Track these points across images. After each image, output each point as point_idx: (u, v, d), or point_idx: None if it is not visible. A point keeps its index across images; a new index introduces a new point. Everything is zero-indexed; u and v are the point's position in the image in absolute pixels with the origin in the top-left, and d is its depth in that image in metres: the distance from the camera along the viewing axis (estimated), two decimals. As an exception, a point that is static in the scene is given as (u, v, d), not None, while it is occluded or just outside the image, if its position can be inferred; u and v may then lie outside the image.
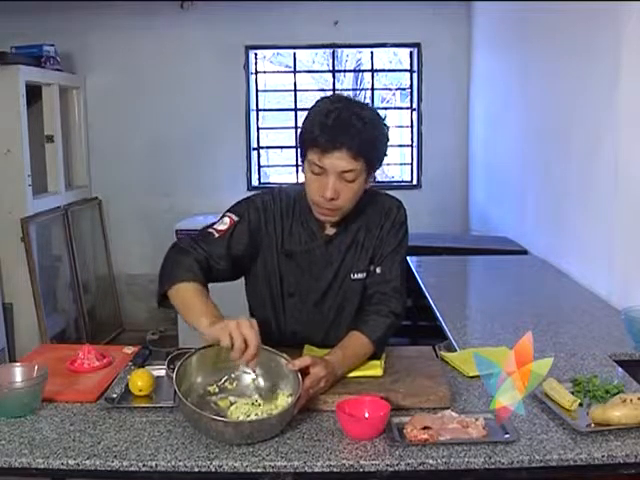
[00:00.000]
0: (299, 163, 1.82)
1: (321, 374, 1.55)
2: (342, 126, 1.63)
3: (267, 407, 1.51)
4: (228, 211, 1.84)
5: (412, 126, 5.47)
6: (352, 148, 1.63)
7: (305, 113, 1.75)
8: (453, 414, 1.49)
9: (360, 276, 1.84)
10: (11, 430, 1.49)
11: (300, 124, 1.77)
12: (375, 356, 1.77)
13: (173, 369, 1.52)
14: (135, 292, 5.46)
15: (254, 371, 1.57)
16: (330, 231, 1.84)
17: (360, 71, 5.83)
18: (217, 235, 1.77)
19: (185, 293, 1.65)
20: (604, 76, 2.68)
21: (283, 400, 1.52)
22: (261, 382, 1.58)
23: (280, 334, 1.93)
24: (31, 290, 4.23)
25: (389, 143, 1.76)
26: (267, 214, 1.82)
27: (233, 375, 1.57)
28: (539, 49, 3.62)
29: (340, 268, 1.84)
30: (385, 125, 1.74)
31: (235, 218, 1.80)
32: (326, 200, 1.69)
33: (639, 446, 1.38)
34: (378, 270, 1.84)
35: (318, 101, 1.74)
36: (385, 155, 1.76)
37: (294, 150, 5.46)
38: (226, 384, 1.57)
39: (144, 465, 1.36)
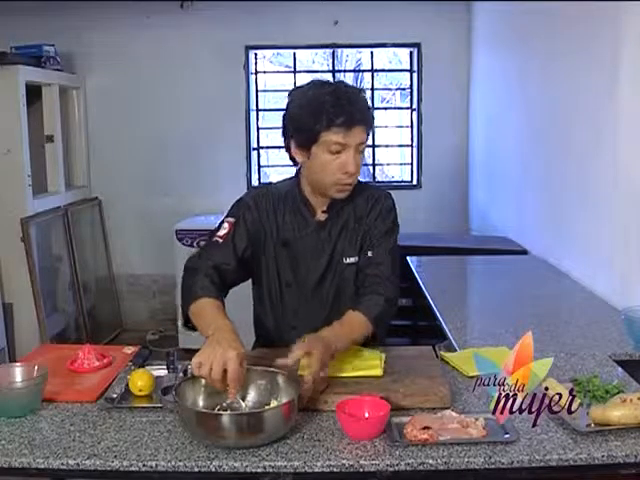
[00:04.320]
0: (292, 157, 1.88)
1: (318, 349, 1.56)
2: (354, 101, 1.75)
3: None
4: (225, 217, 1.92)
5: (412, 126, 5.47)
6: (366, 119, 1.77)
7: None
8: (453, 414, 1.49)
9: (352, 260, 1.91)
10: (11, 430, 1.49)
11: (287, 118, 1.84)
12: (371, 341, 1.81)
13: (166, 393, 1.56)
14: (135, 292, 5.46)
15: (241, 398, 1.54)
16: (322, 217, 1.91)
17: (360, 71, 5.83)
18: (221, 241, 1.86)
19: (197, 310, 1.71)
20: (604, 75, 2.68)
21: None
22: (254, 404, 1.56)
23: (279, 331, 1.95)
24: (31, 290, 4.23)
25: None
26: (259, 209, 1.90)
27: (224, 404, 1.53)
28: (539, 49, 3.63)
29: (333, 253, 1.90)
30: None
31: (232, 220, 1.88)
32: (350, 175, 1.78)
33: (639, 446, 1.38)
34: (369, 254, 1.88)
35: (299, 90, 1.83)
36: None
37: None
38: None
39: (144, 465, 1.36)
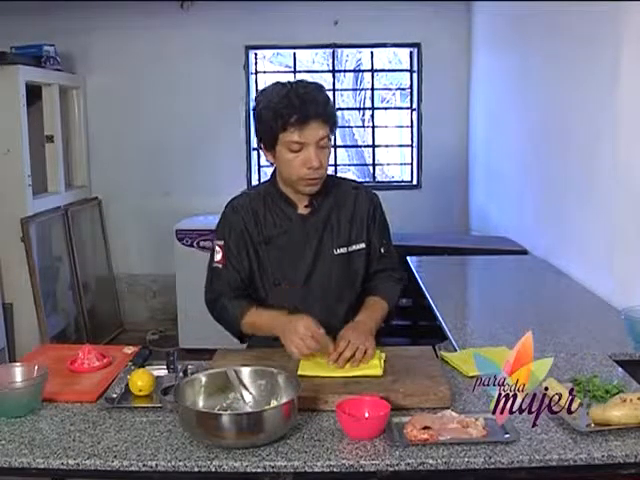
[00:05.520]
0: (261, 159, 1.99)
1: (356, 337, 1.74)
2: (307, 99, 1.79)
3: None
4: (215, 239, 1.99)
5: (412, 126, 5.46)
6: (323, 114, 1.80)
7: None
8: (453, 414, 1.49)
9: (343, 251, 1.96)
10: (11, 430, 1.50)
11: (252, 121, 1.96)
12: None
13: (166, 393, 1.57)
14: (135, 292, 5.46)
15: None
16: (304, 211, 1.95)
17: (360, 71, 5.83)
18: (221, 266, 1.95)
19: (249, 327, 1.91)
20: (604, 75, 2.68)
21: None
22: (254, 404, 1.57)
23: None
24: (31, 290, 4.23)
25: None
26: (240, 215, 1.95)
27: (225, 404, 1.56)
28: (539, 49, 3.63)
29: (320, 245, 1.94)
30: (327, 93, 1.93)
31: (221, 243, 1.96)
32: (313, 170, 1.82)
33: (639, 446, 1.38)
34: (382, 250, 2.01)
35: (263, 94, 1.89)
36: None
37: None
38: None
39: (144, 465, 1.36)
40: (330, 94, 1.95)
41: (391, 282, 2.03)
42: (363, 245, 1.98)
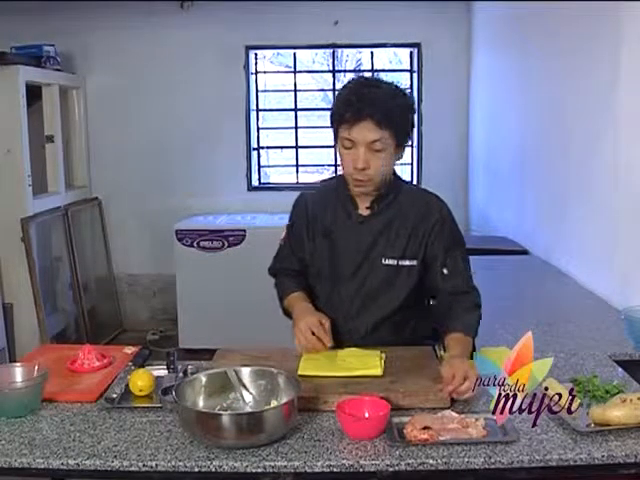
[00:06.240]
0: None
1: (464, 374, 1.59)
2: (365, 99, 1.76)
3: None
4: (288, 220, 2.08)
5: (412, 126, 5.45)
6: (375, 117, 1.75)
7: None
8: (453, 414, 1.49)
9: (391, 262, 1.91)
10: (11, 430, 1.50)
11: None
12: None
13: (166, 393, 1.58)
14: (135, 292, 5.46)
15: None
16: (364, 212, 1.94)
17: (360, 71, 5.81)
18: (282, 244, 2.08)
19: (287, 305, 2.01)
20: (604, 75, 2.68)
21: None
22: (254, 404, 1.57)
23: None
24: (31, 290, 4.23)
25: (413, 115, 1.89)
26: (307, 205, 2.01)
27: (225, 404, 1.57)
28: (539, 49, 3.62)
29: (371, 250, 1.92)
30: (406, 97, 1.86)
31: (288, 224, 2.06)
32: (358, 170, 1.81)
33: (639, 446, 1.38)
34: (445, 271, 1.90)
35: (344, 84, 1.91)
36: (411, 126, 1.90)
37: (294, 150, 5.46)
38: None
39: (144, 465, 1.36)
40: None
41: (468, 313, 1.87)
42: (415, 262, 1.91)
